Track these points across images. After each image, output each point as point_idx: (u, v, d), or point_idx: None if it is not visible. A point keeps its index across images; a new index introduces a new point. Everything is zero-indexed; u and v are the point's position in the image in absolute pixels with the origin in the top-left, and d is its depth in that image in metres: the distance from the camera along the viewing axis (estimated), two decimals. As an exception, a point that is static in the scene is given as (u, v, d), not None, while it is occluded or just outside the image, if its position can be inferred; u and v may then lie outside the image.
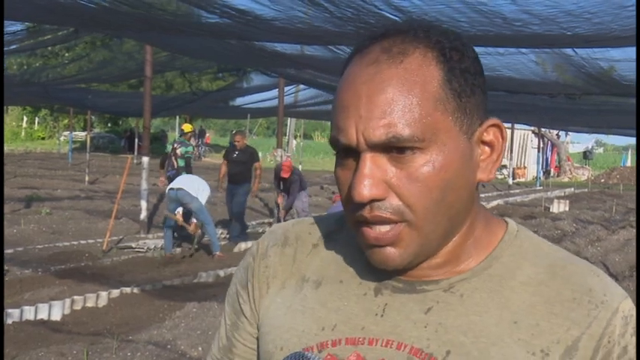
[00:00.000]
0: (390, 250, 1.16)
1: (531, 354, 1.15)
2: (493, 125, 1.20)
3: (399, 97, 1.11)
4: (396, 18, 6.45)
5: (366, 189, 1.11)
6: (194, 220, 13.34)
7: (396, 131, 1.10)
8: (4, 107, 40.45)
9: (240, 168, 15.34)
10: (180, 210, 13.27)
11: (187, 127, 16.61)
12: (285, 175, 15.36)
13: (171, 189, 13.23)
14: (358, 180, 1.12)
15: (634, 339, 1.18)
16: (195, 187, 13.11)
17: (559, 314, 1.17)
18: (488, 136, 1.20)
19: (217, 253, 13.43)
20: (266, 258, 1.38)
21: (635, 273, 12.68)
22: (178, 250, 13.89)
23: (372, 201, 1.13)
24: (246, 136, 16.68)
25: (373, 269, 1.24)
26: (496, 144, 1.20)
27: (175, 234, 13.80)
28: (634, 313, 1.21)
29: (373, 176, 1.12)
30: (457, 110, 1.14)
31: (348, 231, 1.25)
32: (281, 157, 17.13)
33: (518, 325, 1.17)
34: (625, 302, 1.20)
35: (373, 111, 1.11)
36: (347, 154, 1.16)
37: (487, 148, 1.21)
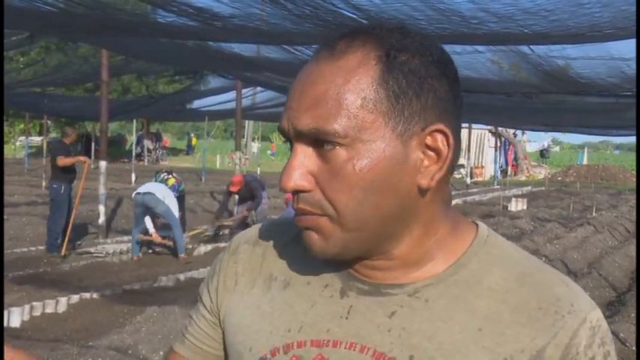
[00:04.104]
0: (313, 235, 1.18)
1: None
2: (438, 131, 1.15)
3: (327, 91, 1.11)
4: (354, 16, 6.47)
5: (290, 179, 1.15)
6: (152, 231, 13.58)
7: (317, 123, 1.11)
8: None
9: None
10: (152, 230, 13.57)
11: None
12: (233, 189, 15.40)
13: (137, 193, 13.31)
14: (285, 170, 1.16)
15: (601, 350, 1.17)
16: (164, 193, 13.31)
17: (525, 323, 1.16)
18: (433, 142, 1.15)
19: (182, 255, 13.64)
20: (236, 254, 1.41)
21: (592, 270, 12.82)
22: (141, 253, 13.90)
23: (297, 192, 1.16)
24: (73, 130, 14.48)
25: (339, 271, 1.26)
26: (442, 151, 1.15)
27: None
28: (602, 323, 1.19)
29: (300, 167, 1.15)
30: (391, 112, 1.12)
31: None
32: (239, 159, 17.09)
33: (483, 333, 1.16)
34: (593, 313, 1.18)
35: (302, 103, 1.14)
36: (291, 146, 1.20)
37: (433, 154, 1.16)
